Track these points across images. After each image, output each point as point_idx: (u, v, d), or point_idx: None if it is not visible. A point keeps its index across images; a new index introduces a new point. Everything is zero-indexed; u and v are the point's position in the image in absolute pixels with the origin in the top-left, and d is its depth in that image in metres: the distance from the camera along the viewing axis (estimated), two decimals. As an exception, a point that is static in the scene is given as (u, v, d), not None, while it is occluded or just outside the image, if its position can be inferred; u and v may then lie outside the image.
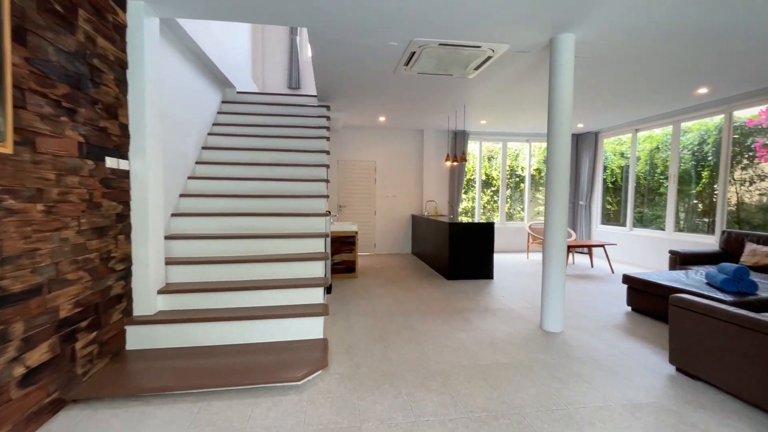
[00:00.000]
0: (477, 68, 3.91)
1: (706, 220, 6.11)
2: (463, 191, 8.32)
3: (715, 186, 6.02)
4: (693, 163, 6.16)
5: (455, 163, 6.32)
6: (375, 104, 5.62)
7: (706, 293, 3.11)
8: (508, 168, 8.27)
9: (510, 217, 8.49)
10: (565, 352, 2.85)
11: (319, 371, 2.48)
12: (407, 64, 3.82)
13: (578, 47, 3.37)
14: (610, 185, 7.80)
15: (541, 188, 8.51)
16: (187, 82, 3.94)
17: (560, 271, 3.25)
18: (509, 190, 8.40)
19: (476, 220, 6.13)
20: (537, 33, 3.13)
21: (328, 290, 4.51)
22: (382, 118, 6.62)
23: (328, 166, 4.53)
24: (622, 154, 7.66)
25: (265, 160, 4.54)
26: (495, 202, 8.39)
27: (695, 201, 6.22)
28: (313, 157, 4.70)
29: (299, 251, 3.58)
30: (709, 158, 6.12)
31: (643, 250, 6.50)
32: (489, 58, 3.63)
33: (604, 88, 4.80)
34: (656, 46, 3.41)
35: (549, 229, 3.29)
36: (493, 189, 8.40)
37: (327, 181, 4.36)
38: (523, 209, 8.46)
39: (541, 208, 8.57)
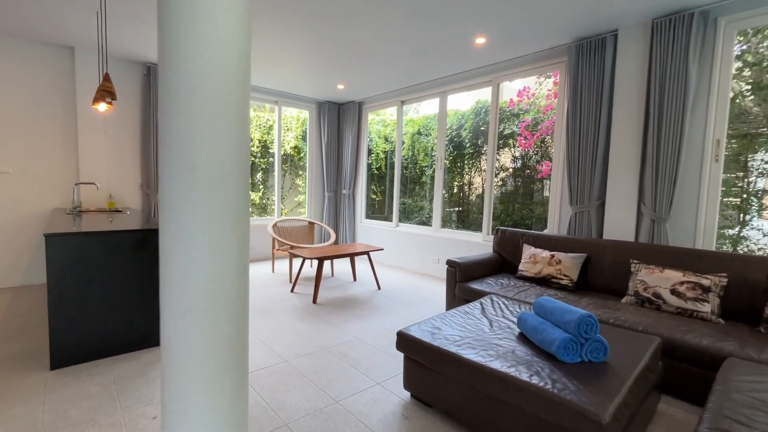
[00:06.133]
0: None
1: (459, 209, 5.47)
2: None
3: (474, 176, 5.38)
4: (451, 149, 5.35)
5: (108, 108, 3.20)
6: None
7: (549, 388, 1.44)
8: (259, 142, 5.79)
9: (263, 210, 6.17)
10: None
11: None
12: None
13: None
14: (375, 172, 6.50)
15: (301, 173, 6.50)
16: None
17: None
18: (261, 173, 6.07)
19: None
20: None
21: None
22: None
23: None
24: (386, 139, 6.48)
25: None
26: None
27: (455, 192, 5.47)
28: None
29: None
30: (467, 145, 5.46)
31: (410, 252, 5.29)
32: None
33: (361, 32, 2.92)
34: None
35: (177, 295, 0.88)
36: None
37: None
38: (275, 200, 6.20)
39: (302, 198, 6.55)
